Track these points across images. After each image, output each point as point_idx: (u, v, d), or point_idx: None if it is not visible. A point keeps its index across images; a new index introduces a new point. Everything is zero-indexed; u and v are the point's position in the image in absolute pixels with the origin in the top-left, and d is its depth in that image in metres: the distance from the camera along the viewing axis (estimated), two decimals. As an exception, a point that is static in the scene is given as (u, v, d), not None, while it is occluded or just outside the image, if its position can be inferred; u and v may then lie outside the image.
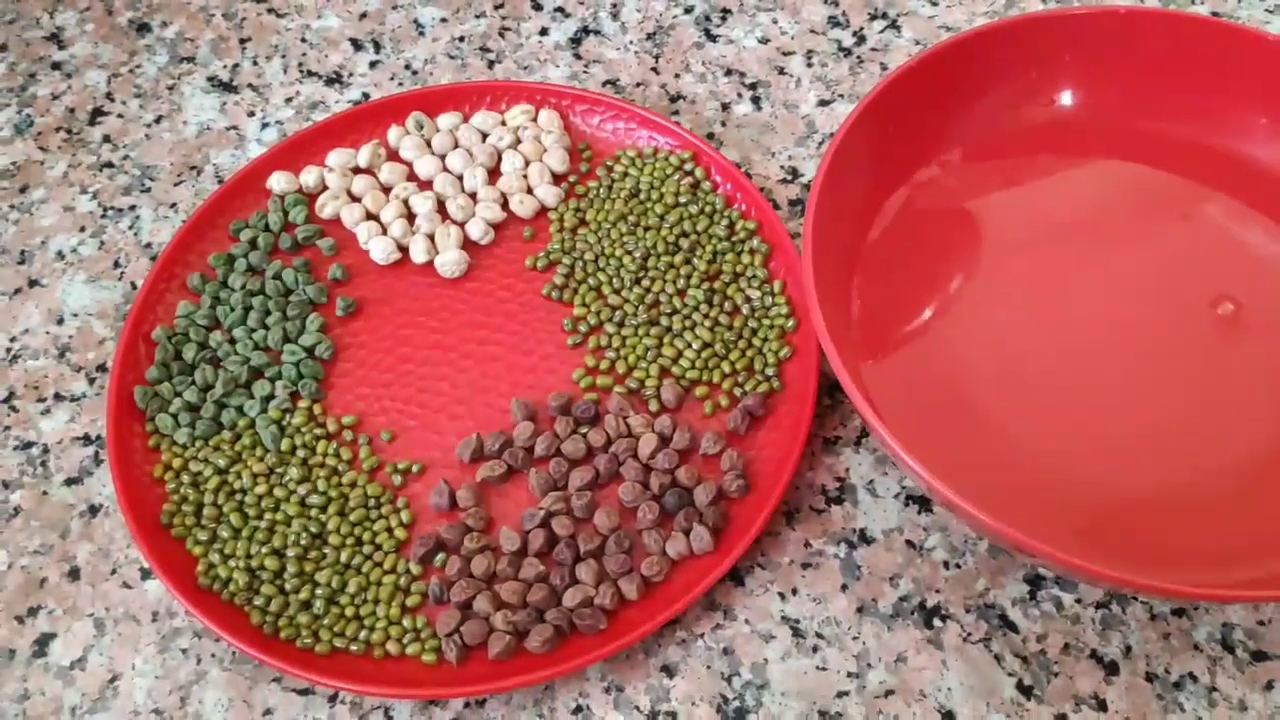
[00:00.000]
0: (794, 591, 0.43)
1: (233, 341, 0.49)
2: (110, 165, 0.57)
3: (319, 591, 0.43)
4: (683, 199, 0.52)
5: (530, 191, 0.54)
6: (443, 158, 0.55)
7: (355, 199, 0.54)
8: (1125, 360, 0.44)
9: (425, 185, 0.54)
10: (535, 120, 0.55)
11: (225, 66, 0.61)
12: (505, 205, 0.53)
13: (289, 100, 0.59)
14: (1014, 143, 0.50)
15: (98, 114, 0.59)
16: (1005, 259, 0.47)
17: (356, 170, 0.54)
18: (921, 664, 0.41)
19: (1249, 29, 0.47)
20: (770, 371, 0.47)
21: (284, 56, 0.61)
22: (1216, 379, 0.44)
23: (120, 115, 0.59)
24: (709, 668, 0.41)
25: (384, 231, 0.53)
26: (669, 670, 0.41)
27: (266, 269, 0.51)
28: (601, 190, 0.53)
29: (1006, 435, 0.43)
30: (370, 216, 0.53)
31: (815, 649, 0.42)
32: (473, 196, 0.54)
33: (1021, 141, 0.50)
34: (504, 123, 0.55)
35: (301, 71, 0.60)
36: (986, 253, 0.48)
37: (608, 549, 0.43)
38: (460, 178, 0.54)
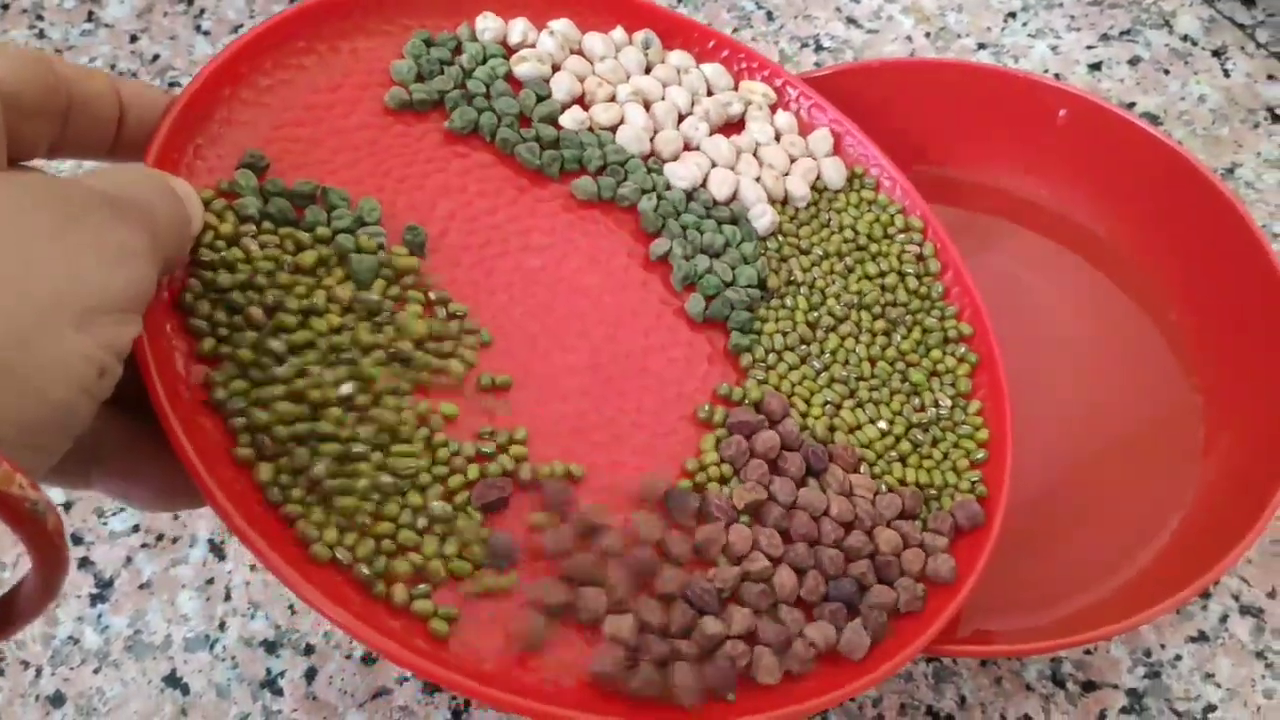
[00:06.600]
0: None
1: None
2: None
3: (358, 449, 0.31)
4: (905, 269, 0.44)
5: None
6: (665, 86, 0.44)
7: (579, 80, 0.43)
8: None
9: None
10: (774, 110, 0.46)
11: None
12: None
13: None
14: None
15: None
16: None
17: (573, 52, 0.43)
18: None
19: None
20: (968, 484, 0.40)
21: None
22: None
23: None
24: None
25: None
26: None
27: (490, 86, 0.40)
28: (822, 215, 0.44)
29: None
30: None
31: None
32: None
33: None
34: (735, 87, 0.46)
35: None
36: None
37: (780, 608, 0.35)
38: (682, 116, 0.44)
